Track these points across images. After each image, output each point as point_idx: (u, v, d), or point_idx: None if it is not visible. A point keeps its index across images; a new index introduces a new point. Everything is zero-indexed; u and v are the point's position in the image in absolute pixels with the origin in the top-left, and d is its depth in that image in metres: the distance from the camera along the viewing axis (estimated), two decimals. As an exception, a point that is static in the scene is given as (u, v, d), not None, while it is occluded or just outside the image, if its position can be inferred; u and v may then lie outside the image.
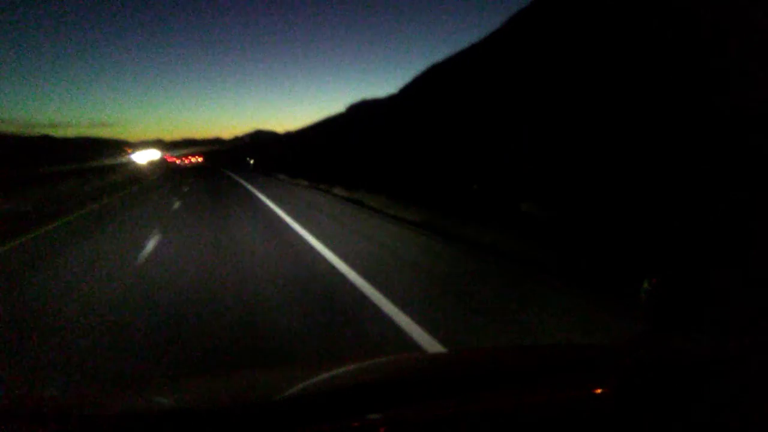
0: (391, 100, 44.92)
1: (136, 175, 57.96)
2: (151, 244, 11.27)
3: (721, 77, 10.02)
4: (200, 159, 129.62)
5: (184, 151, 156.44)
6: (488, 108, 21.03)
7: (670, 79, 11.69)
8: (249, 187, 31.16)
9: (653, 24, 12.74)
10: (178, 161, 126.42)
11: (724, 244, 5.74)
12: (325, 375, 1.67)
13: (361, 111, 53.70)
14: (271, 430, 1.18)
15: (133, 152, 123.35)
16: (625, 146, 11.33)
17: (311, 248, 10.08)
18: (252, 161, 51.63)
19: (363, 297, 6.46)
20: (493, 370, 1.63)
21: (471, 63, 30.62)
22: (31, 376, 4.46)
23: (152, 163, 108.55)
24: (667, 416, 1.25)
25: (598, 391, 1.39)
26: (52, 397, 1.58)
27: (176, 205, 21.56)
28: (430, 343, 4.80)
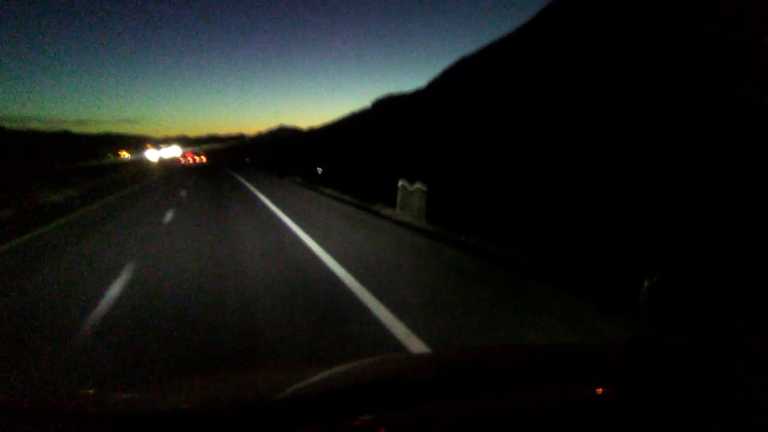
0: (418, 94, 44.79)
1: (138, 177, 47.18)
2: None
3: (722, 80, 9.95)
4: (204, 158, 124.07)
5: (196, 149, 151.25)
6: (521, 102, 20.84)
7: (673, 79, 11.59)
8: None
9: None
10: (182, 160, 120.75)
11: (725, 243, 5.67)
12: (324, 375, 1.72)
13: (387, 106, 53.68)
14: (271, 430, 1.23)
15: (151, 149, 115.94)
16: (629, 145, 11.25)
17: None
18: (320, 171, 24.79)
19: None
20: (493, 369, 1.66)
21: (503, 55, 30.32)
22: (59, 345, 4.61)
23: (162, 161, 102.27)
24: (667, 416, 1.28)
25: (599, 391, 1.42)
26: (52, 397, 1.66)
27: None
28: None
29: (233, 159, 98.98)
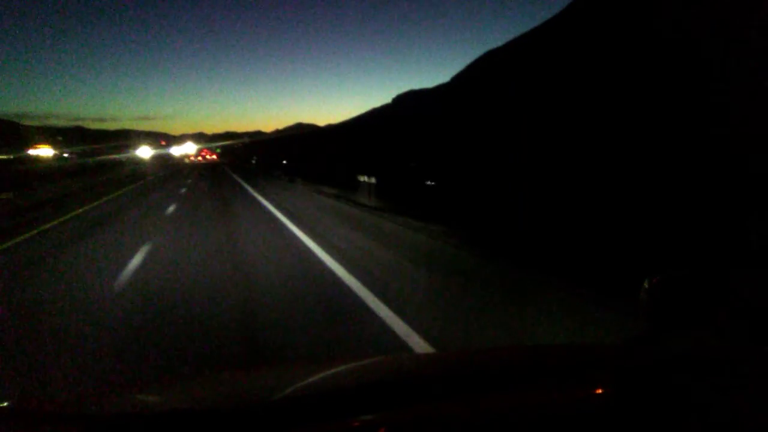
0: (440, 89, 44.82)
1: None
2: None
3: (723, 81, 10.01)
4: (216, 157, 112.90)
5: (212, 146, 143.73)
6: (551, 95, 20.67)
7: (674, 80, 11.60)
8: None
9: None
10: (192, 157, 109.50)
11: (725, 243, 5.64)
12: (324, 374, 1.75)
13: (408, 102, 53.80)
14: (271, 430, 1.26)
15: (144, 146, 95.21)
16: (631, 144, 11.27)
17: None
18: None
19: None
20: (493, 370, 1.70)
21: (532, 48, 30.08)
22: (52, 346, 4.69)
23: (160, 159, 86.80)
24: (667, 416, 1.31)
25: (598, 391, 1.46)
26: (52, 397, 1.72)
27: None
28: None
29: (256, 158, 75.61)
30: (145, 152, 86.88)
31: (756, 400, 1.32)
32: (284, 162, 40.47)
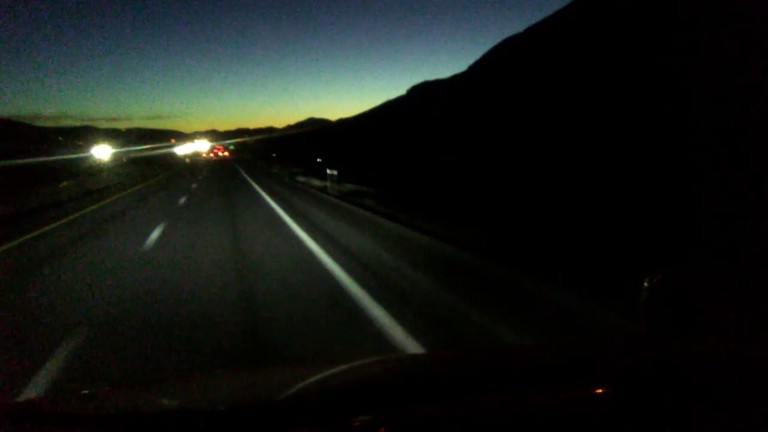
0: (456, 79, 44.64)
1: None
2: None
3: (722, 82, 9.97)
4: (227, 153, 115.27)
5: (226, 142, 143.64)
6: (578, 82, 20.34)
7: (673, 80, 11.53)
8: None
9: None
10: (205, 155, 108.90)
11: (725, 242, 5.55)
12: (325, 374, 1.75)
13: (423, 93, 53.71)
14: (271, 430, 1.27)
15: (103, 144, 68.32)
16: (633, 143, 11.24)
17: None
18: None
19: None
20: (493, 370, 1.74)
21: (554, 34, 29.60)
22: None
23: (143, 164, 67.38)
24: (667, 416, 1.34)
25: (599, 390, 1.48)
26: (52, 397, 1.77)
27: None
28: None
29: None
30: (102, 152, 61.17)
31: (756, 400, 1.34)
32: (318, 160, 33.53)
